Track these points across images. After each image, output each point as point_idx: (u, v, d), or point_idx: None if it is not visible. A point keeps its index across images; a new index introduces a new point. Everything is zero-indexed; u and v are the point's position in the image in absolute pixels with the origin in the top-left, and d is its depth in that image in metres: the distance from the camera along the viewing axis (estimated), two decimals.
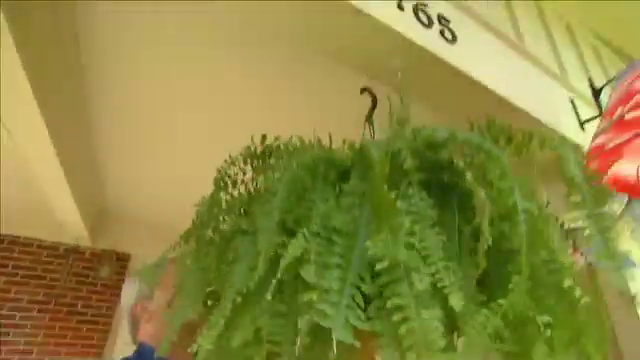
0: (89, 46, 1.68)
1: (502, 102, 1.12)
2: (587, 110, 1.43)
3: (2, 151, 2.26)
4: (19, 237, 3.53)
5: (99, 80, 1.89)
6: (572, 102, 1.40)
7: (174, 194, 3.15)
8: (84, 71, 1.83)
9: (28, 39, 1.30)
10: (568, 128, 1.28)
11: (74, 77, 1.83)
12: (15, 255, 3.48)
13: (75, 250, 3.66)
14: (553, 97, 1.36)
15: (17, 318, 3.29)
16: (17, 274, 3.41)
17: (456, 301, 0.40)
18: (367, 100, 0.79)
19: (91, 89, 1.95)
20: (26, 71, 1.36)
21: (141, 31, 1.60)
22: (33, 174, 2.25)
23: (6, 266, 3.41)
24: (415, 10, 1.02)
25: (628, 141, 0.96)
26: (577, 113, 1.39)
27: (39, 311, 3.37)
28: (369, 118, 0.77)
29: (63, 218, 2.93)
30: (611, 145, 0.99)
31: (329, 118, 1.26)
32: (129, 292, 0.88)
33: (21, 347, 3.24)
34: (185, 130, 2.27)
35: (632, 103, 1.01)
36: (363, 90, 0.80)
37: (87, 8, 1.50)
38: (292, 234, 0.45)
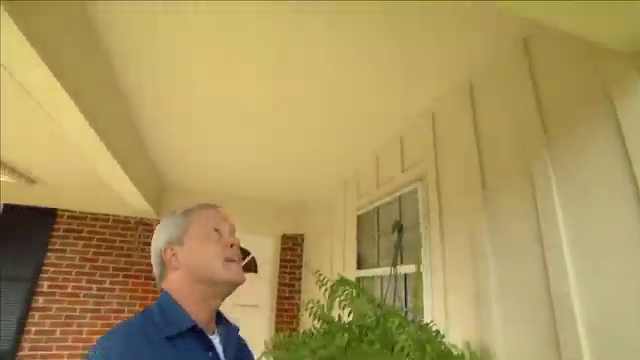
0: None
1: None
2: None
3: (68, 147, 2.52)
4: (98, 214, 4.01)
5: (137, 65, 1.97)
6: None
7: (220, 163, 3.32)
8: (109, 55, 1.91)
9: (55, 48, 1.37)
10: None
11: (109, 85, 1.93)
12: (97, 229, 3.98)
13: (143, 222, 4.10)
14: None
15: (107, 283, 3.85)
16: (101, 245, 3.93)
17: None
18: None
19: (127, 77, 2.05)
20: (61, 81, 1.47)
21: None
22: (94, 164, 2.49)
23: (92, 239, 3.94)
24: None
25: None
26: None
27: (123, 276, 3.91)
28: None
29: (127, 198, 3.24)
30: None
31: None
32: (160, 235, 0.89)
33: (115, 307, 3.83)
34: (225, 103, 2.32)
35: None
36: None
37: None
38: None
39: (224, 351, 0.84)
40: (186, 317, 0.79)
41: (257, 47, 1.70)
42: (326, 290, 1.85)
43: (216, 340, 0.85)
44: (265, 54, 1.75)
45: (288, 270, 4.43)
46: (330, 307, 1.75)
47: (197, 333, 0.79)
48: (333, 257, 3.38)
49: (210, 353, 0.80)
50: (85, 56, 1.65)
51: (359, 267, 2.83)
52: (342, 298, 1.74)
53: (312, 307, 1.82)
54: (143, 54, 1.80)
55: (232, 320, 0.98)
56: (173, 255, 0.85)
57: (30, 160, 3.10)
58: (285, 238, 4.53)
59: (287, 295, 4.36)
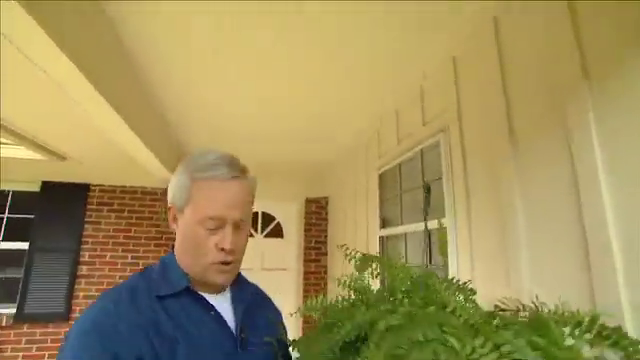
0: None
1: None
2: None
3: (92, 124, 2.55)
4: (126, 187, 4.14)
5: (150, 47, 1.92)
6: None
7: (238, 131, 3.29)
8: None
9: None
10: None
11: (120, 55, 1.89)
12: (127, 201, 4.13)
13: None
14: None
15: (141, 252, 4.04)
16: (132, 217, 4.09)
17: None
18: None
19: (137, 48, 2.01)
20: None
21: None
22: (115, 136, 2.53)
23: (123, 211, 4.09)
24: None
25: None
26: None
27: (155, 245, 4.07)
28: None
29: (151, 169, 3.30)
30: None
31: None
32: (171, 184, 0.82)
33: None
34: (239, 68, 2.25)
35: None
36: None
37: None
38: None
39: (235, 310, 0.82)
40: (183, 279, 0.78)
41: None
42: (356, 261, 1.83)
43: (222, 300, 0.83)
44: (279, 6, 1.64)
45: (313, 233, 4.47)
46: (362, 279, 1.72)
47: (195, 294, 0.78)
48: (357, 218, 3.35)
49: (212, 313, 0.78)
50: (86, 22, 1.61)
51: (382, 226, 2.79)
52: (374, 267, 1.71)
53: (345, 281, 1.78)
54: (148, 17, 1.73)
55: (248, 279, 0.96)
56: (174, 218, 0.82)
57: (59, 138, 3.19)
58: (309, 202, 4.53)
59: (313, 258, 4.42)
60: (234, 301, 0.84)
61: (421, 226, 2.11)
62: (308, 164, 4.37)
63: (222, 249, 0.77)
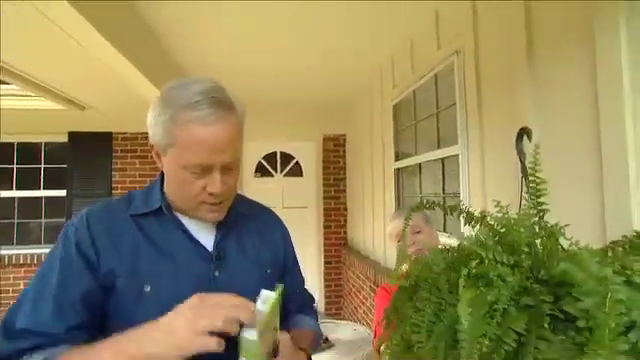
0: None
1: None
2: None
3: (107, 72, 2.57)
4: (146, 133, 4.23)
5: None
6: None
7: (251, 70, 3.22)
8: None
9: None
10: None
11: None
12: (148, 147, 4.24)
13: None
14: None
15: None
16: (155, 162, 4.23)
17: None
18: None
19: None
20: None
21: None
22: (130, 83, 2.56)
23: (146, 157, 4.24)
24: None
25: None
26: None
27: None
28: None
29: None
30: None
31: None
32: (149, 118, 0.75)
33: None
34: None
35: None
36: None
37: None
38: None
39: (216, 233, 0.81)
40: (158, 201, 0.77)
41: None
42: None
43: (208, 225, 0.81)
44: None
45: (332, 170, 4.51)
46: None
47: (169, 214, 0.77)
48: (373, 152, 3.33)
49: (187, 235, 0.78)
50: None
51: (397, 159, 2.78)
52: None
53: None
54: None
55: (251, 205, 0.93)
56: (158, 155, 0.76)
57: (76, 88, 3.24)
58: (327, 140, 4.52)
59: (333, 195, 4.51)
60: (219, 224, 0.82)
61: (435, 154, 2.08)
62: (325, 103, 4.28)
63: (211, 194, 0.73)
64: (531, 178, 0.78)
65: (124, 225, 0.76)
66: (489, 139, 1.63)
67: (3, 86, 3.45)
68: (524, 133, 0.92)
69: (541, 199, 0.75)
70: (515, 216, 0.76)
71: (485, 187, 1.65)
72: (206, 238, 0.80)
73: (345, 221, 4.49)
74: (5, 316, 0.67)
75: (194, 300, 0.62)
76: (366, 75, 3.27)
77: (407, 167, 2.65)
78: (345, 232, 4.48)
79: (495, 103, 1.59)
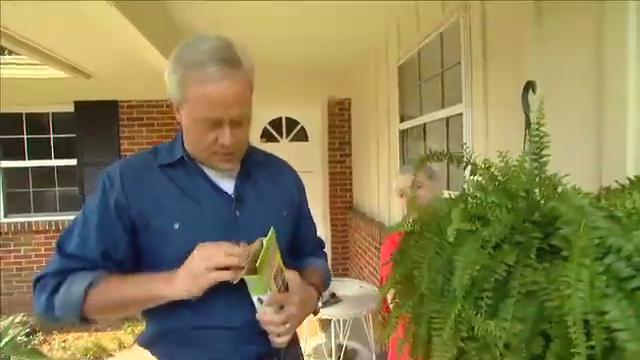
0: None
1: None
2: None
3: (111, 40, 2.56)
4: (152, 101, 4.25)
5: None
6: None
7: (253, 36, 3.17)
8: None
9: None
10: None
11: None
12: (155, 115, 4.29)
13: None
14: None
15: None
16: (161, 130, 4.28)
17: None
18: None
19: None
20: None
21: None
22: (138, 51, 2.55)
23: (152, 125, 4.28)
24: None
25: None
26: None
27: None
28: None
29: None
30: None
31: None
32: (166, 76, 0.81)
33: None
34: None
35: None
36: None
37: None
38: None
39: (236, 180, 0.89)
40: (179, 151, 0.85)
41: None
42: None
43: (228, 174, 0.88)
44: None
45: (337, 135, 4.53)
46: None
47: (191, 163, 0.85)
48: (378, 114, 3.33)
49: (208, 182, 0.86)
50: None
51: (402, 120, 2.79)
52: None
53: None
54: None
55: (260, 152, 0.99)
56: (177, 109, 0.83)
57: (81, 55, 3.23)
58: (332, 104, 4.50)
59: (338, 159, 4.56)
60: (238, 172, 0.89)
61: (440, 114, 2.10)
62: (330, 67, 4.22)
63: (222, 145, 0.79)
64: (534, 132, 0.82)
65: (153, 173, 0.85)
66: (493, 97, 1.64)
67: (7, 56, 3.45)
68: (530, 86, 0.94)
69: (543, 151, 0.80)
70: (516, 164, 0.81)
71: (488, 145, 1.68)
72: (227, 185, 0.88)
73: (351, 185, 4.56)
74: (59, 240, 0.83)
75: (197, 251, 0.75)
76: (370, 38, 3.20)
77: (412, 129, 2.67)
78: (351, 195, 4.56)
79: (500, 61, 1.59)
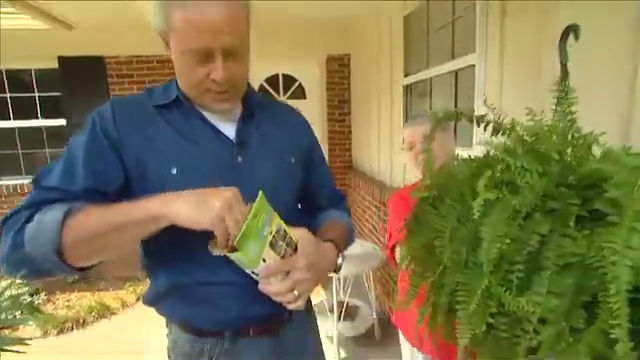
0: None
1: None
2: None
3: None
4: (141, 56, 4.03)
5: None
6: None
7: None
8: None
9: None
10: None
11: None
12: (145, 72, 4.08)
13: None
14: None
15: None
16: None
17: None
18: None
19: None
20: None
21: None
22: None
23: (143, 82, 4.08)
24: None
25: None
26: None
27: None
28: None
29: None
30: None
31: None
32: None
33: None
34: None
35: None
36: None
37: None
38: None
39: (237, 122, 0.82)
40: (174, 91, 0.78)
41: None
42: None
43: (228, 116, 0.81)
44: None
45: (336, 92, 4.36)
46: None
47: (187, 104, 0.78)
48: (380, 69, 3.17)
49: (207, 124, 0.79)
50: None
51: (406, 75, 2.65)
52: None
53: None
54: None
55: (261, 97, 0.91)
56: (166, 44, 0.74)
57: (62, 3, 2.98)
58: (330, 60, 4.29)
59: (337, 117, 4.42)
60: (241, 115, 0.83)
61: (449, 67, 1.98)
62: (328, 21, 3.97)
63: (214, 80, 0.71)
64: (563, 88, 0.73)
65: (148, 114, 0.77)
66: (510, 46, 1.52)
67: None
68: (570, 31, 0.83)
69: (573, 107, 0.72)
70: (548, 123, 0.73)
71: (502, 101, 1.58)
72: (228, 129, 0.81)
73: (350, 144, 4.47)
74: (35, 176, 0.73)
75: (230, 192, 0.65)
76: None
77: (417, 83, 2.54)
78: (350, 155, 4.48)
79: (522, 5, 1.45)
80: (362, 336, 2.60)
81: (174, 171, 0.74)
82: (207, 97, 0.75)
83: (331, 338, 2.44)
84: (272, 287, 0.72)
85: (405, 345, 1.41)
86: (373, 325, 2.66)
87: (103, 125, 0.74)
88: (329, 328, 2.45)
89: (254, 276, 0.72)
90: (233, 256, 0.66)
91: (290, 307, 0.75)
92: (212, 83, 0.72)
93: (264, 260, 0.69)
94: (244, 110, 0.83)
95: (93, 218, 0.65)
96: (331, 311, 2.50)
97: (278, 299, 0.73)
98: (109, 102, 0.78)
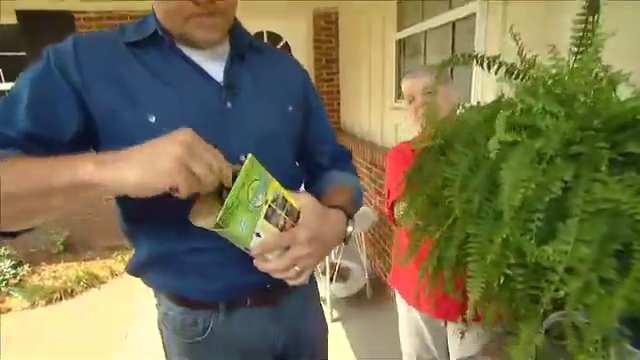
0: None
1: None
2: None
3: None
4: (113, 12, 3.73)
5: None
6: None
7: None
8: None
9: None
10: None
11: None
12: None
13: None
14: None
15: None
16: None
17: None
18: None
19: None
20: None
21: None
22: None
23: None
24: None
25: None
26: None
27: None
28: None
29: None
30: None
31: None
32: None
33: None
34: None
35: None
36: None
37: None
38: None
39: (226, 64, 0.71)
40: (152, 24, 0.66)
41: None
42: None
43: (214, 56, 0.70)
44: None
45: (324, 51, 4.17)
46: None
47: (167, 40, 0.67)
48: (371, 24, 3.00)
49: (183, 61, 0.68)
50: None
51: (399, 29, 2.51)
52: None
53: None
54: None
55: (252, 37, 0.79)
56: None
57: None
58: (317, 17, 4.07)
59: (325, 77, 4.27)
60: (230, 53, 0.72)
61: (446, 17, 1.86)
62: None
63: (197, 1, 0.61)
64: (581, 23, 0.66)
65: (117, 53, 0.65)
66: None
67: None
68: None
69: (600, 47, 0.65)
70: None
71: (505, 53, 1.49)
72: (215, 69, 0.70)
73: (339, 104, 4.35)
74: None
75: (179, 133, 0.51)
76: None
77: (410, 39, 2.41)
78: (339, 116, 4.37)
79: None
80: (354, 296, 2.63)
81: (152, 119, 0.63)
82: (190, 24, 0.64)
83: (324, 299, 2.46)
84: (269, 264, 0.63)
85: (402, 304, 1.40)
86: (365, 285, 2.69)
87: (60, 62, 0.62)
88: (322, 290, 2.46)
89: (248, 252, 0.63)
90: (220, 232, 0.57)
91: (291, 283, 0.67)
92: (195, 6, 0.61)
93: (258, 235, 0.60)
94: (233, 50, 0.72)
95: (9, 175, 0.50)
96: (324, 273, 2.50)
97: (277, 276, 0.65)
98: (71, 37, 0.65)
